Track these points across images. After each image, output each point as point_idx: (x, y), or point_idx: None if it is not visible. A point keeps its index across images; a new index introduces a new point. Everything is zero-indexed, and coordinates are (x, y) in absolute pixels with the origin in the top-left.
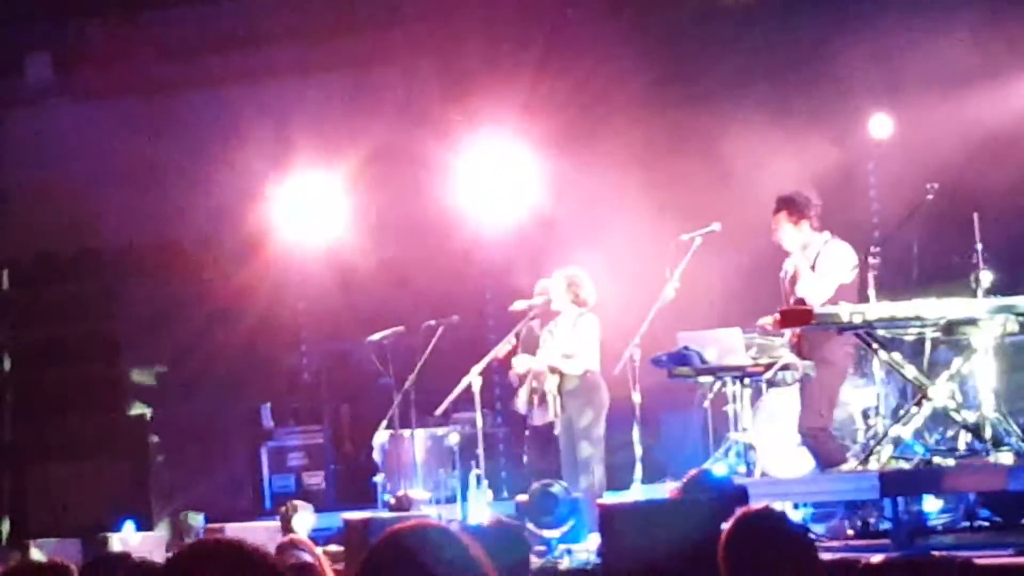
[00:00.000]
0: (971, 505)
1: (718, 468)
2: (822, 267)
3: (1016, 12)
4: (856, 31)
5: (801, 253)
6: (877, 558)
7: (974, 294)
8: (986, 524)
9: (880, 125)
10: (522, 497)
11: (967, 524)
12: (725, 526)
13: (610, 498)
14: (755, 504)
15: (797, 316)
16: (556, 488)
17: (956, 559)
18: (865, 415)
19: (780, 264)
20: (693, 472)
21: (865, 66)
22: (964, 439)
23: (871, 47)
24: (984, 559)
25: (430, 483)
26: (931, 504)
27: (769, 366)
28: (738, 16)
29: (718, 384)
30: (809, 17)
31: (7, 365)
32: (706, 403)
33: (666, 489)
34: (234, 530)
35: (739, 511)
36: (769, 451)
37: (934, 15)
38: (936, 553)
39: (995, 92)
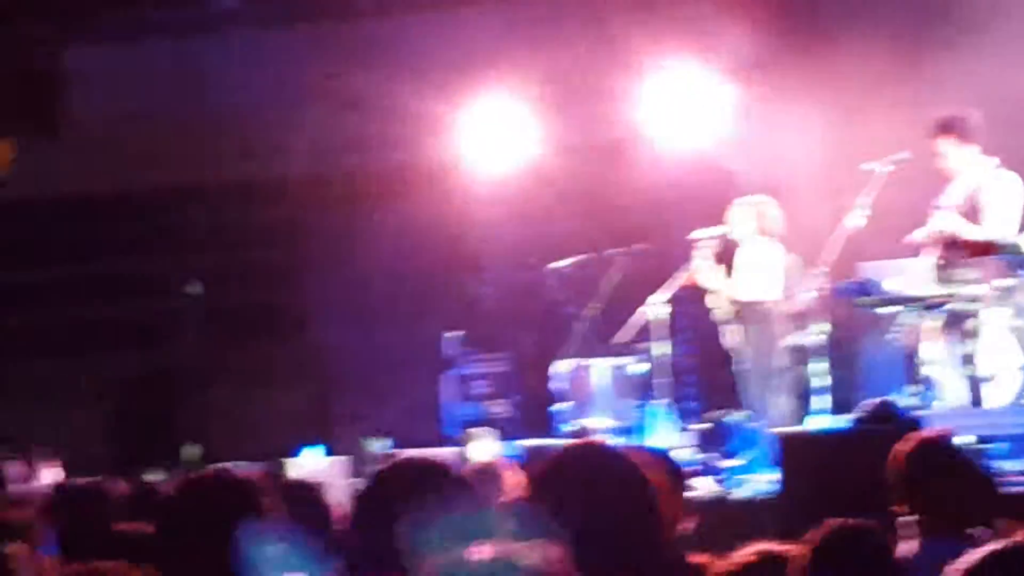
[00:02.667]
0: None
1: (902, 400)
2: (993, 198)
3: None
4: None
5: (967, 182)
6: None
7: None
8: None
9: None
10: (702, 426)
11: None
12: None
13: (790, 428)
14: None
15: (978, 247)
16: (734, 417)
17: None
18: None
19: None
20: (871, 403)
21: None
22: None
23: None
24: None
25: (612, 413)
26: None
27: (959, 297)
28: None
29: (901, 316)
30: None
31: (193, 290)
32: (897, 334)
33: (848, 420)
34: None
35: (915, 434)
36: (951, 386)
37: None
38: None
39: None
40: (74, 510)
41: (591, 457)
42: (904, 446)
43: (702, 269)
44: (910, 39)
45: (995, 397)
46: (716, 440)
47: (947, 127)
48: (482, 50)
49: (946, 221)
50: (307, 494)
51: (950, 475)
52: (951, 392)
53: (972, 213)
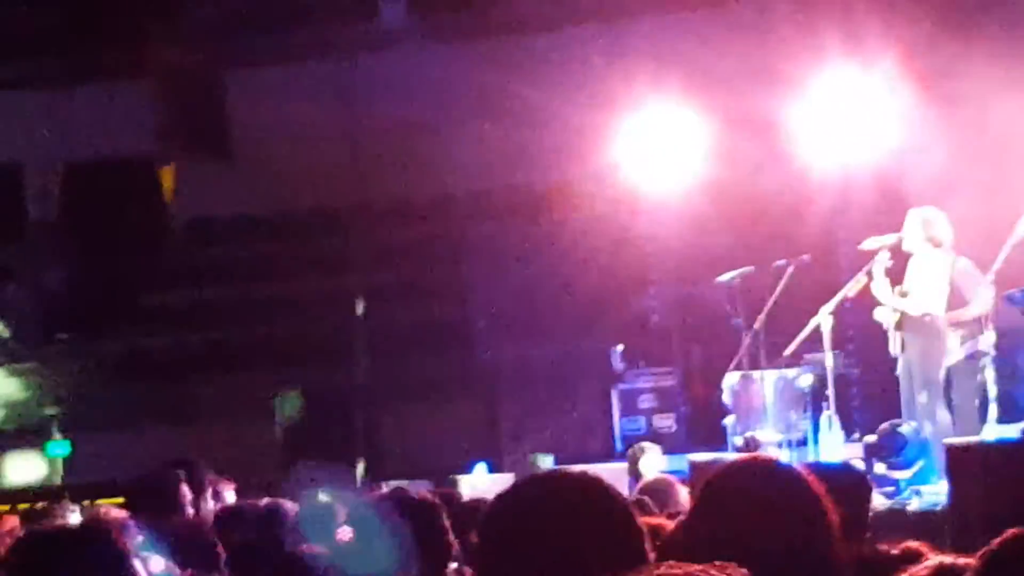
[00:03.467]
0: None
1: None
2: None
3: None
4: None
5: None
6: None
7: None
8: None
9: None
10: (870, 437)
11: None
12: None
13: (959, 440)
14: None
15: None
16: (905, 428)
17: None
18: None
19: None
20: None
21: None
22: None
23: None
24: None
25: (780, 425)
26: None
27: None
28: None
29: None
30: None
31: (360, 308)
32: None
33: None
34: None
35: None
36: None
37: None
38: None
39: None
40: (247, 531)
41: (757, 472)
42: None
43: (877, 281)
44: None
45: None
46: (885, 451)
47: None
48: (648, 60)
49: None
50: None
51: None
52: None
53: None
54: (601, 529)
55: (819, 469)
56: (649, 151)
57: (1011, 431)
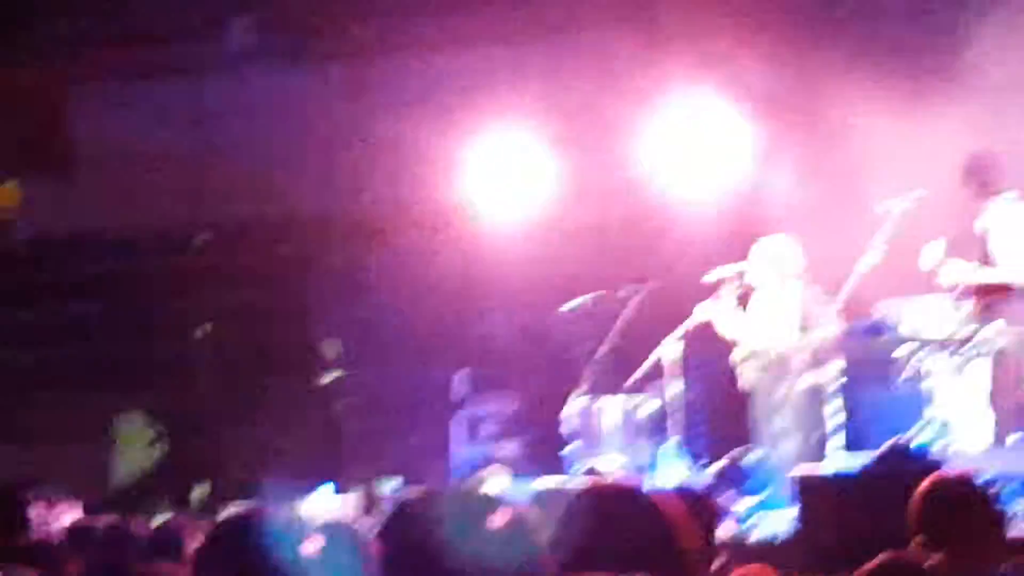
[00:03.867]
0: None
1: (918, 440)
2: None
3: None
4: None
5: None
6: None
7: None
8: None
9: None
10: (719, 465)
11: None
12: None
13: (807, 468)
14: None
15: (993, 288)
16: (753, 456)
17: None
18: None
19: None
20: (889, 443)
21: None
22: None
23: None
24: None
25: (624, 452)
26: None
27: (975, 337)
28: None
29: (917, 354)
30: None
31: (205, 330)
32: (912, 373)
33: (864, 460)
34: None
35: (935, 474)
36: (966, 425)
37: None
38: None
39: None
40: (96, 550)
41: (607, 497)
42: (925, 485)
43: (723, 312)
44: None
45: (1008, 436)
46: (733, 479)
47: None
48: (493, 88)
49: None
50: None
51: (969, 514)
52: (967, 431)
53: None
54: None
55: (668, 494)
56: (496, 177)
57: (855, 460)
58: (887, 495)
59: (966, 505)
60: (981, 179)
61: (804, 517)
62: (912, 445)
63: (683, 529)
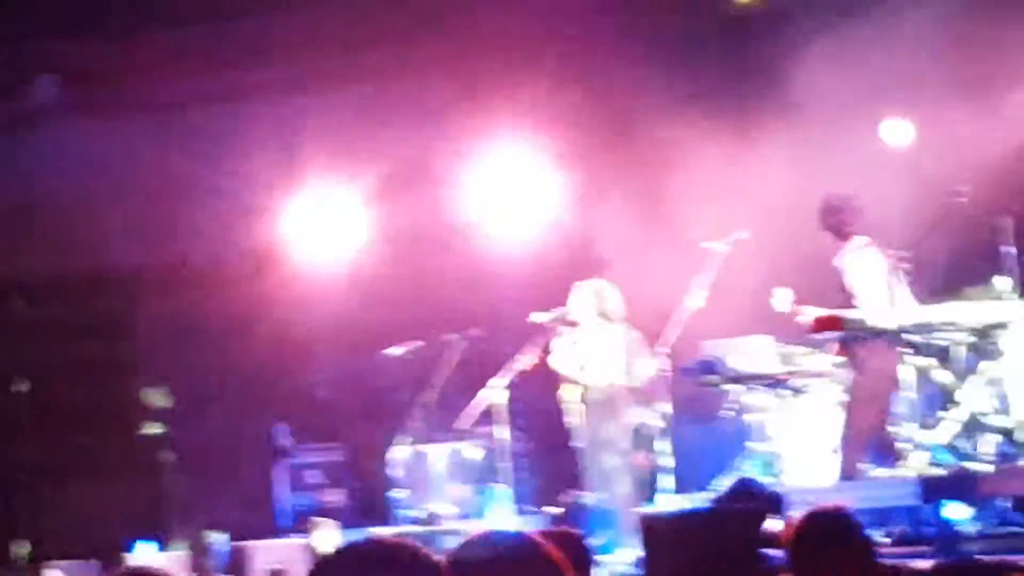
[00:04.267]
0: (1001, 511)
1: (745, 475)
2: (851, 276)
3: None
4: (872, 36)
5: (842, 259)
6: (925, 564)
7: (1011, 297)
8: (1019, 530)
9: (895, 131)
10: (554, 509)
11: (999, 530)
12: (790, 521)
13: (647, 508)
14: (825, 503)
15: (829, 322)
16: (589, 498)
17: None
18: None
19: (810, 271)
20: (732, 481)
21: (883, 70)
22: (992, 444)
23: (887, 51)
24: None
25: (450, 498)
26: (960, 511)
27: (798, 374)
28: (751, 25)
29: (742, 393)
30: (823, 23)
31: (24, 386)
32: (738, 411)
33: (700, 499)
34: (262, 547)
35: (810, 508)
36: (792, 460)
37: (949, 17)
38: (984, 558)
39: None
40: None
41: (497, 543)
42: (799, 521)
43: (555, 353)
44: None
45: (828, 471)
46: (569, 522)
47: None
48: (312, 137)
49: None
50: None
51: (844, 549)
52: (794, 466)
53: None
54: None
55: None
56: (317, 224)
57: (695, 499)
58: (732, 531)
59: (840, 539)
60: (836, 221)
61: (650, 558)
62: (755, 483)
63: (569, 573)
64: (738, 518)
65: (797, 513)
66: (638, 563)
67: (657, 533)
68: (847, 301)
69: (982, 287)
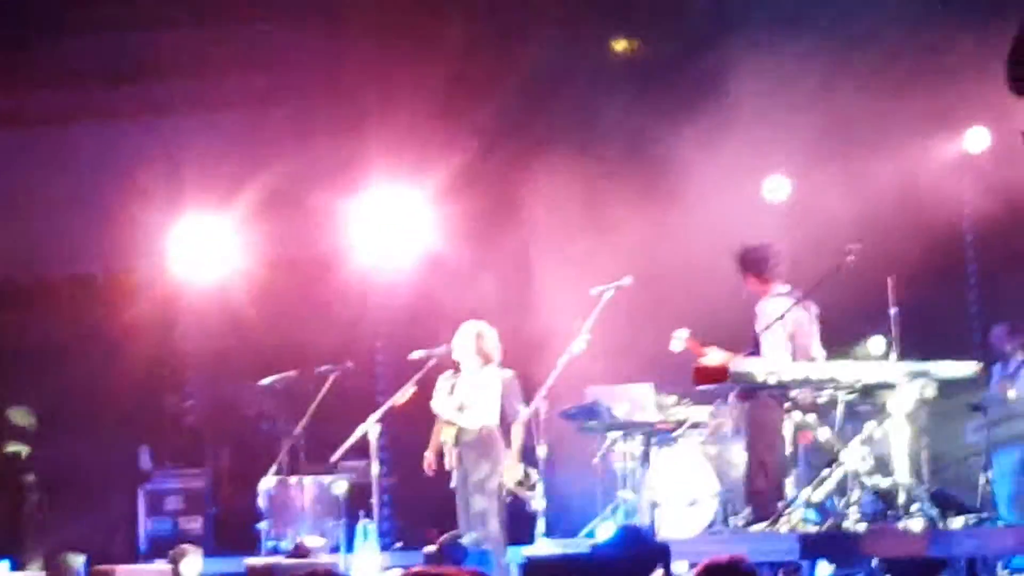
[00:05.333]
0: (871, 571)
1: (606, 526)
2: (759, 323)
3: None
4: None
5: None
6: None
7: (886, 358)
8: None
9: (776, 187)
10: (429, 548)
11: None
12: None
13: (527, 551)
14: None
15: (713, 372)
16: (466, 539)
17: None
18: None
19: (695, 319)
20: (615, 527)
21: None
22: (869, 504)
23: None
24: None
25: (316, 531)
26: (826, 570)
27: (680, 424)
28: (636, 69)
29: (617, 440)
30: (705, 75)
31: None
32: (598, 459)
33: (581, 544)
34: (122, 572)
35: (709, 559)
36: (663, 510)
37: (834, 73)
38: None
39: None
40: None
41: None
42: (697, 571)
43: (437, 394)
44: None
45: (696, 521)
46: (447, 561)
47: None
48: (190, 160)
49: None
50: None
51: None
52: (665, 516)
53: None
54: None
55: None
56: (192, 248)
57: (564, 545)
58: None
59: None
60: (755, 266)
61: None
62: (642, 529)
63: None
64: (626, 565)
65: (685, 562)
66: None
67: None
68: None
69: (863, 346)
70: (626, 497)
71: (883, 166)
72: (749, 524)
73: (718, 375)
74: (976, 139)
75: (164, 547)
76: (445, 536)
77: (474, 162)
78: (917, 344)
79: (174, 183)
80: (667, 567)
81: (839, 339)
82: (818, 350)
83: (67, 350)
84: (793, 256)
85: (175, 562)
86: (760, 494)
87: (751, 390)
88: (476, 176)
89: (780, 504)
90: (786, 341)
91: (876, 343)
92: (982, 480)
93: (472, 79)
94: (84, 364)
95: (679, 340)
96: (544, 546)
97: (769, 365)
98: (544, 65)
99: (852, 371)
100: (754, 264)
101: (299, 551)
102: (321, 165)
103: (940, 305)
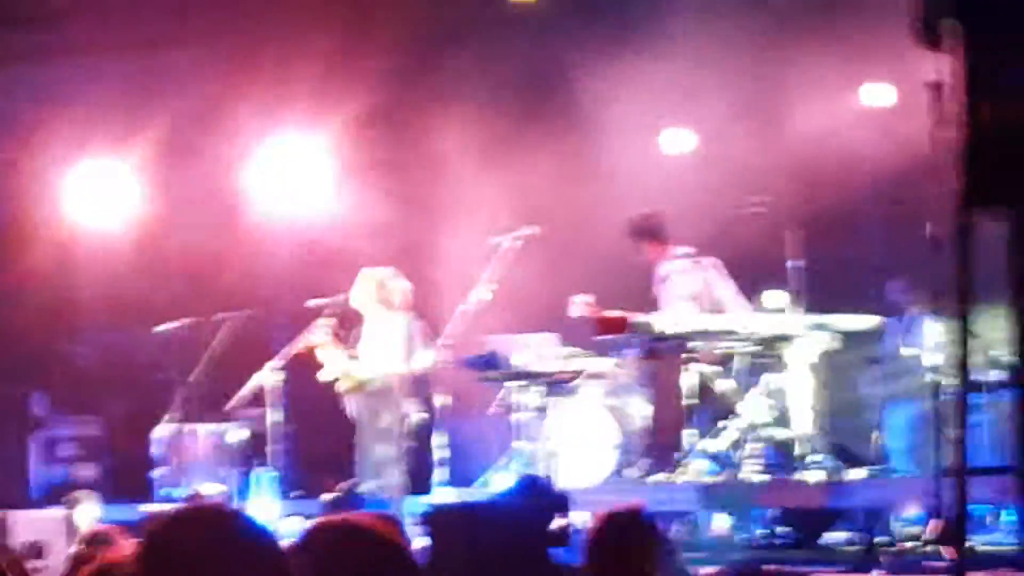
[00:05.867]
0: (771, 521)
1: (500, 476)
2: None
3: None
4: (655, 46)
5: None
6: (707, 570)
7: (784, 312)
8: (783, 541)
9: (676, 140)
10: (327, 496)
11: (766, 541)
12: (588, 523)
13: (427, 499)
14: (621, 504)
15: (612, 323)
16: (364, 487)
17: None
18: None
19: (600, 270)
20: (511, 477)
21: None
22: (769, 456)
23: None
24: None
25: (213, 479)
26: (721, 520)
27: (578, 373)
28: (531, 24)
29: (516, 390)
30: (606, 28)
31: None
32: (510, 407)
33: (480, 493)
34: (20, 517)
35: (609, 508)
36: (561, 460)
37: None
38: (767, 567)
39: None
40: None
41: (211, 522)
42: (597, 520)
43: (324, 344)
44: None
45: (596, 471)
46: (344, 509)
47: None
48: (85, 105)
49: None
50: None
51: (640, 549)
52: (563, 466)
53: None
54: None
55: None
56: (90, 196)
57: (464, 494)
58: (520, 527)
59: (638, 539)
60: (652, 236)
61: (435, 548)
62: (544, 480)
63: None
64: (526, 514)
65: (584, 512)
66: (422, 552)
67: (443, 524)
68: (655, 307)
69: (757, 300)
70: (521, 447)
71: (786, 119)
72: (648, 475)
73: (618, 326)
74: (879, 92)
75: (58, 494)
76: (343, 484)
77: (375, 109)
78: (820, 298)
79: (72, 128)
80: (566, 516)
81: (743, 293)
82: (735, 302)
83: None
84: (696, 210)
85: (71, 508)
86: (659, 446)
87: (653, 347)
88: (376, 122)
89: (677, 455)
90: (689, 301)
91: (773, 297)
92: (874, 434)
93: (374, 22)
94: None
95: (578, 305)
96: (443, 495)
97: (667, 317)
98: (445, 14)
99: (749, 324)
100: (650, 231)
101: (194, 499)
102: (219, 111)
103: (842, 260)
